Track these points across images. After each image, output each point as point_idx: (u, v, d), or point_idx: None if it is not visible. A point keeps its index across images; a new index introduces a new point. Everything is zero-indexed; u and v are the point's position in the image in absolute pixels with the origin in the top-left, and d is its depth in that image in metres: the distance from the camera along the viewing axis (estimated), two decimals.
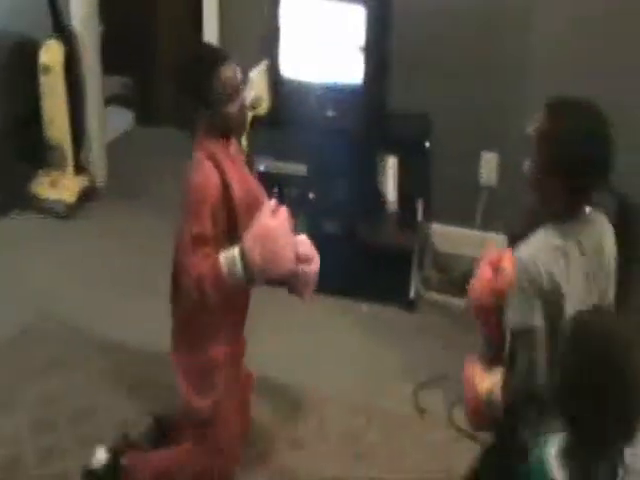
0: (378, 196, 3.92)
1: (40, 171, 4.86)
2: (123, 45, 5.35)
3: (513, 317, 2.09)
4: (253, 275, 2.48)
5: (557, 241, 2.08)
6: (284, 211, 2.57)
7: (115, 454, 2.93)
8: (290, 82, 3.92)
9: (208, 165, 2.56)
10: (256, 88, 4.02)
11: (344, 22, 3.75)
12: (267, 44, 3.99)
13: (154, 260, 4.18)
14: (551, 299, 2.04)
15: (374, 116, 3.84)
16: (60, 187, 4.78)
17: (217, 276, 2.46)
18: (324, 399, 3.32)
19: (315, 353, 3.56)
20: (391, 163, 3.86)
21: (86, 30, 4.74)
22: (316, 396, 3.33)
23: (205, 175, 2.55)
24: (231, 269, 2.45)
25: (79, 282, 4.05)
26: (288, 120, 3.94)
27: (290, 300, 3.86)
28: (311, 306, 3.77)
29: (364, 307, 3.81)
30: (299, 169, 4.01)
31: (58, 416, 3.22)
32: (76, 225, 4.63)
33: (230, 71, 2.62)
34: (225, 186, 2.56)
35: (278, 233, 2.50)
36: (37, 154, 4.83)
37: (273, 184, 4.01)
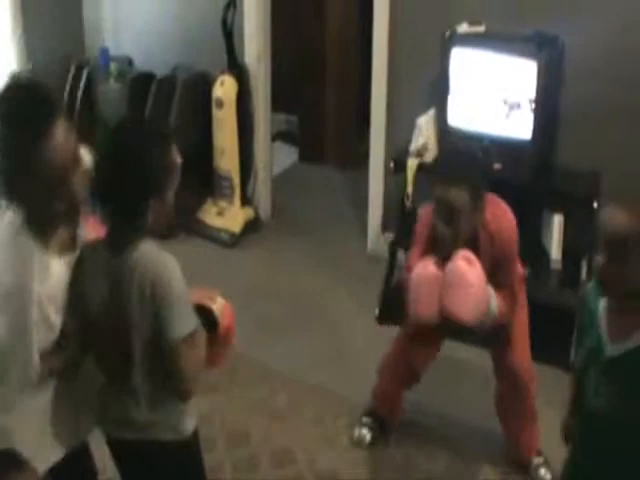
0: (542, 252, 3.88)
1: (209, 200, 5.06)
2: (291, 85, 5.52)
3: None
4: None
5: None
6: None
7: None
8: (457, 132, 3.94)
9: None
10: (423, 135, 4.08)
11: (515, 75, 3.72)
12: (436, 92, 4.03)
13: (307, 294, 4.32)
14: None
15: (541, 172, 3.80)
16: (227, 217, 4.98)
17: None
18: None
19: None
20: (557, 220, 3.81)
21: (258, 68, 4.90)
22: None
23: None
24: None
25: (241, 307, 4.19)
26: None
27: None
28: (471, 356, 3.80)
29: None
30: None
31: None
32: (239, 254, 4.81)
33: None
34: None
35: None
36: (207, 183, 5.03)
37: None
